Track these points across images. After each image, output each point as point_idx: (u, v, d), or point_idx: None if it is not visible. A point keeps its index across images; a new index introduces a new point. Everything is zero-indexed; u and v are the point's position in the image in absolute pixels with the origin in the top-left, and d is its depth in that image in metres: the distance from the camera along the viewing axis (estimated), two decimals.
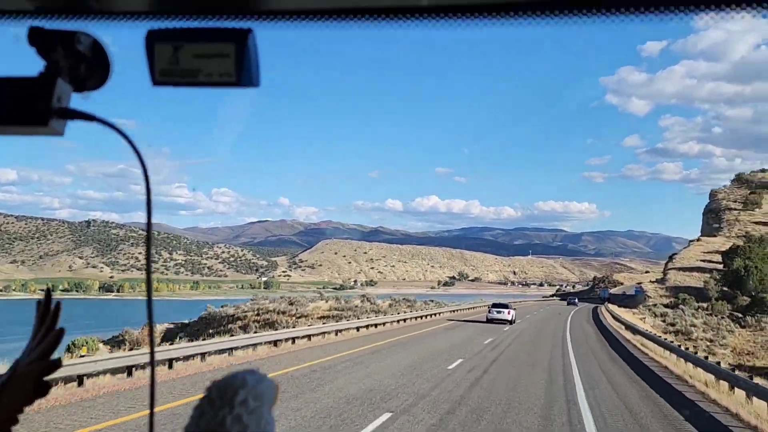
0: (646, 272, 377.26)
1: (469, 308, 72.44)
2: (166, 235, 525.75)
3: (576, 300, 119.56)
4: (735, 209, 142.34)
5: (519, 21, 0.97)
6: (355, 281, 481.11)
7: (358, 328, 37.78)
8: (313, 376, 18.53)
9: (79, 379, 15.74)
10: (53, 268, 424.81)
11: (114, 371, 17.51)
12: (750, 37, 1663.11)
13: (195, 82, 1.22)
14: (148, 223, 1.17)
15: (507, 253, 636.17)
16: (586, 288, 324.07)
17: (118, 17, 1.19)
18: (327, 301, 71.15)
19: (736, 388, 18.73)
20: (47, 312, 1.22)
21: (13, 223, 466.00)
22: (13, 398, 1.16)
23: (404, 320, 49.70)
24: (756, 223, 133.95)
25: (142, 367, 18.12)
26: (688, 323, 67.67)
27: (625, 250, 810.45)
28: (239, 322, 65.04)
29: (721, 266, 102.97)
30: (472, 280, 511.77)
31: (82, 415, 12.33)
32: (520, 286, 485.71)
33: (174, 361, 20.01)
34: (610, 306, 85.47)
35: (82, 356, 19.38)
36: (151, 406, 1.23)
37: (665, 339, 38.12)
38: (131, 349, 32.95)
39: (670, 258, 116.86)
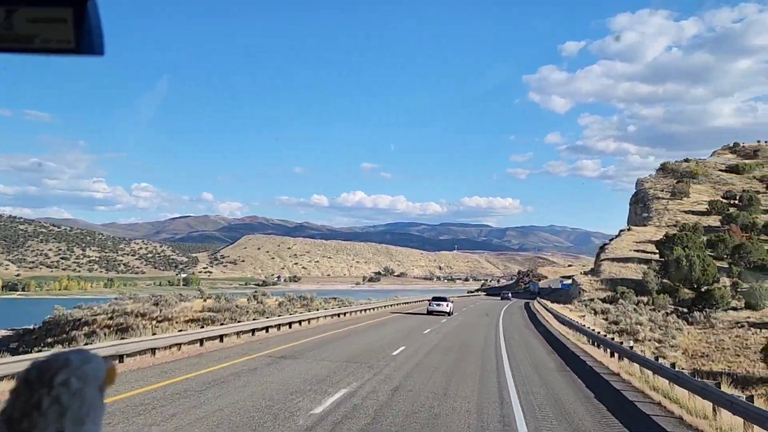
0: (569, 266, 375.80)
1: (382, 306, 60.54)
2: (79, 231, 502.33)
3: (509, 294, 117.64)
4: (663, 198, 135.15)
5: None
6: (279, 277, 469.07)
7: (222, 338, 26.84)
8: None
9: None
10: None
11: None
12: (662, 39, 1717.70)
13: (31, 48, 1.12)
14: None
15: (433, 248, 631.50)
16: (511, 282, 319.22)
17: None
18: (205, 300, 57.70)
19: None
20: None
21: None
22: None
23: (298, 323, 38.32)
24: (685, 212, 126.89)
25: None
26: (633, 321, 57.33)
27: (547, 245, 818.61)
28: (86, 328, 51.24)
29: (656, 256, 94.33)
30: (398, 276, 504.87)
31: None
32: (446, 281, 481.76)
33: None
34: (544, 301, 75.21)
35: None
36: None
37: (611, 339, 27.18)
38: None
39: (602, 248, 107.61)
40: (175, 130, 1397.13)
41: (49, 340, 51.16)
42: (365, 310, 55.06)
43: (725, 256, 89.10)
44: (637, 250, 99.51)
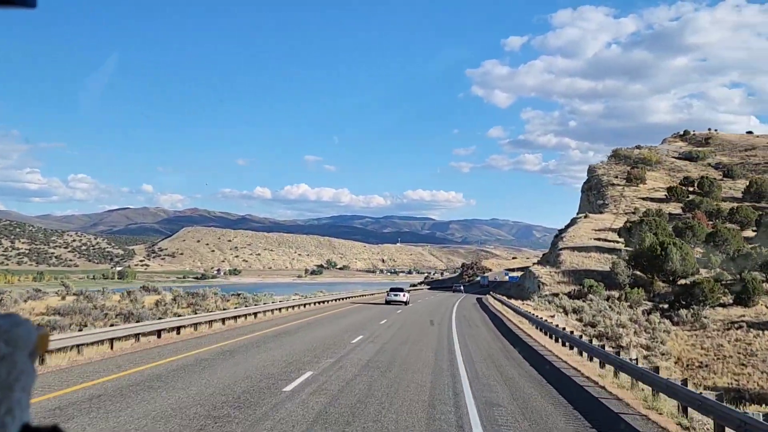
0: (513, 258, 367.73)
1: (303, 305, 47.02)
2: (8, 222, 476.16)
3: (462, 287, 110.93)
4: (618, 185, 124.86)
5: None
6: (218, 270, 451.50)
7: None
8: None
9: None
10: None
11: None
12: (602, 35, 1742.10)
13: None
14: None
15: (376, 241, 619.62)
16: (455, 275, 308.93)
17: None
18: (63, 298, 43.02)
19: None
20: None
21: None
22: None
23: (176, 330, 25.68)
24: (643, 198, 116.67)
25: None
26: (613, 322, 45.13)
27: (490, 238, 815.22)
28: None
29: (620, 245, 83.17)
30: (341, 269, 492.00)
31: None
32: (389, 273, 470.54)
33: None
34: (500, 297, 62.94)
35: None
36: None
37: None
38: None
39: (558, 236, 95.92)
40: (115, 121, 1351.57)
41: None
42: (280, 309, 41.40)
43: (694, 245, 78.29)
44: (598, 239, 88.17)
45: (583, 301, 56.32)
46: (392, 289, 59.13)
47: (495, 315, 44.69)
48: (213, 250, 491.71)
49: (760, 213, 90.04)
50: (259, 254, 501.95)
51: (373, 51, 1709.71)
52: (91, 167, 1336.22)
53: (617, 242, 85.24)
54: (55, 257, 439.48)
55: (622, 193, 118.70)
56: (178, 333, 24.72)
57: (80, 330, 20.54)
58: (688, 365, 43.37)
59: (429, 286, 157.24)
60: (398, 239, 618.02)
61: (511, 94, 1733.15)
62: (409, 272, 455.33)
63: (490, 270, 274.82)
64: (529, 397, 14.10)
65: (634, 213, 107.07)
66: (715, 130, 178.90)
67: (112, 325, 26.06)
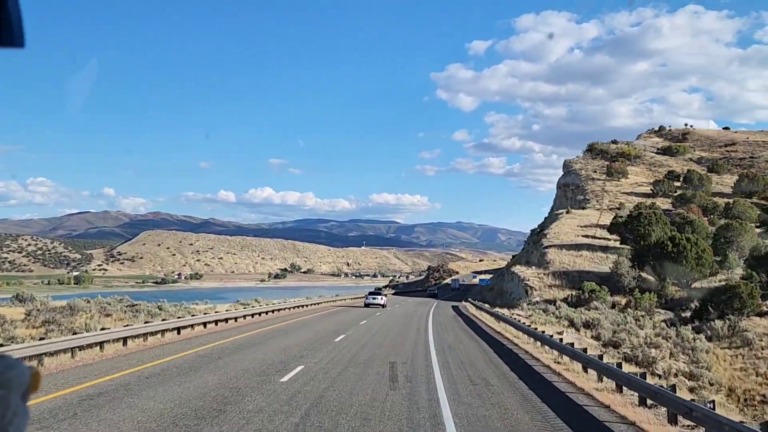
0: (480, 260, 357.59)
1: (254, 313, 34.23)
2: None
3: (436, 290, 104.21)
4: (598, 179, 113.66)
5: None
6: (179, 275, 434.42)
7: None
8: None
9: None
10: None
11: None
12: (565, 40, 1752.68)
13: None
14: None
15: (341, 244, 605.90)
16: (420, 278, 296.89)
17: None
18: None
19: None
20: None
21: None
22: None
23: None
24: (627, 193, 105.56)
25: None
26: (642, 341, 32.85)
27: (455, 241, 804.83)
28: None
29: (609, 242, 71.46)
30: (305, 272, 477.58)
31: None
32: (354, 277, 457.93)
33: None
34: (482, 305, 50.41)
35: None
36: None
37: None
38: None
39: (539, 233, 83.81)
40: (76, 124, 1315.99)
41: None
42: (207, 322, 28.61)
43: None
44: (586, 236, 76.28)
45: (589, 309, 44.01)
46: (371, 293, 64.14)
47: (490, 337, 31.28)
48: (174, 254, 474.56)
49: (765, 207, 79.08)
50: (221, 258, 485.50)
51: (338, 54, 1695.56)
52: (51, 170, 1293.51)
53: (607, 239, 73.63)
54: (9, 262, 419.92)
55: (603, 188, 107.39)
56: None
57: None
58: (745, 399, 31.31)
59: (394, 291, 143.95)
60: (363, 242, 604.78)
61: (476, 98, 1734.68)
62: (374, 276, 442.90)
63: (458, 273, 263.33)
64: None
65: (619, 208, 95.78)
66: (691, 126, 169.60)
67: None
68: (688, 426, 12.12)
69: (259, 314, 38.09)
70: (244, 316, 35.83)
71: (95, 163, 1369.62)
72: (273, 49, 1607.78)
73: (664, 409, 12.88)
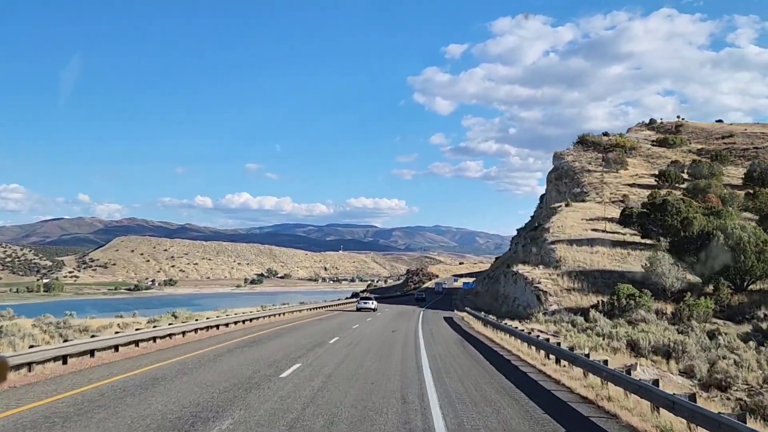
0: (460, 263, 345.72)
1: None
2: None
3: (424, 294, 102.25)
4: (595, 171, 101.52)
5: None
6: (153, 281, 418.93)
7: None
8: None
9: None
10: None
11: None
12: (540, 44, 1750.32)
13: None
14: None
15: (319, 249, 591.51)
16: (399, 282, 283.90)
17: None
18: None
19: None
20: None
21: None
22: None
23: None
24: (629, 185, 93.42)
25: None
26: (759, 377, 20.24)
27: (433, 245, 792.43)
28: None
29: (623, 236, 58.93)
30: (282, 277, 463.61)
31: None
32: (331, 282, 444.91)
33: None
34: (484, 316, 36.81)
35: None
36: None
37: None
38: None
39: (539, 228, 71.00)
40: (50, 129, 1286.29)
41: None
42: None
43: None
44: (595, 230, 63.63)
45: (631, 321, 31.18)
46: (362, 298, 68.82)
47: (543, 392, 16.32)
48: (148, 260, 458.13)
49: None
50: (196, 264, 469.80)
51: (314, 59, 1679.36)
52: (25, 177, 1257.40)
53: (619, 233, 61.16)
54: None
55: (602, 180, 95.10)
56: None
57: None
58: None
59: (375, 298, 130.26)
60: (341, 247, 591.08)
61: (452, 102, 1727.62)
62: (352, 280, 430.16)
63: (438, 276, 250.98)
64: None
65: (623, 201, 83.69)
66: (683, 119, 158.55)
67: None
68: None
69: (157, 339, 24.98)
70: (155, 338, 22.63)
71: (70, 170, 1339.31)
72: (249, 55, 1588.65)
73: None
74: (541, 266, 50.07)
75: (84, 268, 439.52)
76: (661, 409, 10.96)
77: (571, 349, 18.46)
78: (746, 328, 31.80)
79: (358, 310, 58.36)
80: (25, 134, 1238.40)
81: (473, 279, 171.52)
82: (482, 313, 40.92)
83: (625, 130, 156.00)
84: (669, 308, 36.69)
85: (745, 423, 8.96)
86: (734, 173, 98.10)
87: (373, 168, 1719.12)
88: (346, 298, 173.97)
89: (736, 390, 19.09)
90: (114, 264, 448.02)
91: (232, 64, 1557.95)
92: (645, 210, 57.08)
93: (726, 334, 28.87)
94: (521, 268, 51.37)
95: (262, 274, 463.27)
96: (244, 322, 35.59)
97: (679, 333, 28.19)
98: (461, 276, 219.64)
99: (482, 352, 22.61)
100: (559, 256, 50.51)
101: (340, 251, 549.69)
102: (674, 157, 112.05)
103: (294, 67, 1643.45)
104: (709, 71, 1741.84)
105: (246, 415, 10.49)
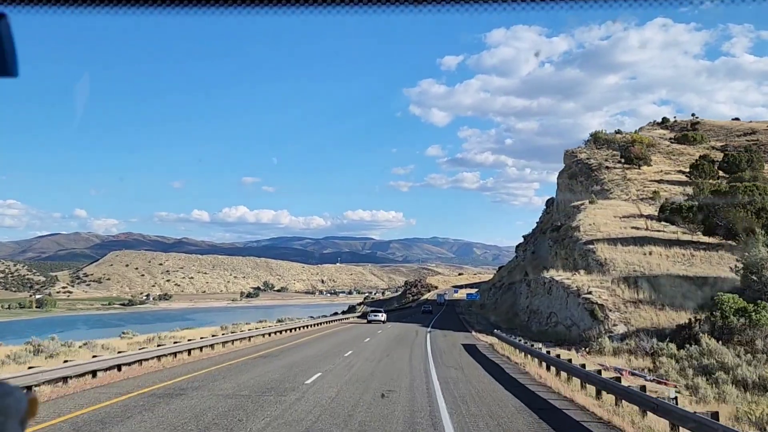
0: (459, 274, 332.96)
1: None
2: None
3: (431, 307, 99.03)
4: (614, 167, 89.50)
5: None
6: (148, 295, 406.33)
7: None
8: None
9: None
10: None
11: None
12: (535, 55, 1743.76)
13: None
14: None
15: (316, 262, 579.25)
16: (397, 294, 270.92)
17: None
18: None
19: None
20: None
21: None
22: None
23: None
24: (657, 181, 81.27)
25: None
26: None
27: (431, 256, 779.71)
28: None
29: (676, 233, 46.78)
30: (278, 290, 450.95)
31: None
32: (329, 295, 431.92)
33: None
34: (536, 349, 23.11)
35: None
36: None
37: None
38: None
39: (563, 227, 58.48)
40: (46, 144, 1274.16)
41: None
42: None
43: None
44: (635, 227, 51.35)
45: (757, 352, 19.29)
46: (372, 310, 75.37)
47: None
48: (143, 275, 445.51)
49: None
50: (192, 278, 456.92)
51: (310, 71, 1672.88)
52: (22, 193, 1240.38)
53: (664, 231, 49.00)
54: None
55: (625, 176, 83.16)
56: None
57: None
58: None
59: (364, 311, 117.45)
60: (338, 259, 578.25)
61: (449, 113, 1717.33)
62: (350, 293, 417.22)
63: (437, 287, 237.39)
64: None
65: (653, 198, 71.58)
66: (698, 117, 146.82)
67: None
68: None
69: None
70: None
71: (67, 185, 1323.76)
72: (244, 68, 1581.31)
73: None
74: (581, 271, 37.70)
75: (78, 284, 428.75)
76: None
77: None
78: None
79: (369, 322, 60.76)
80: (22, 149, 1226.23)
81: (476, 290, 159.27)
82: (519, 338, 28.30)
83: (633, 130, 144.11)
84: None
85: None
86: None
87: (369, 180, 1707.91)
88: (342, 312, 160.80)
89: None
90: (108, 279, 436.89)
91: (226, 77, 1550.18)
92: (702, 203, 44.90)
93: None
94: (558, 275, 38.90)
95: (258, 288, 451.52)
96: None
97: None
98: (461, 287, 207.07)
99: None
100: (603, 259, 38.16)
101: (337, 264, 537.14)
102: (697, 154, 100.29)
103: (289, 80, 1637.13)
104: (705, 80, 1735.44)
105: None
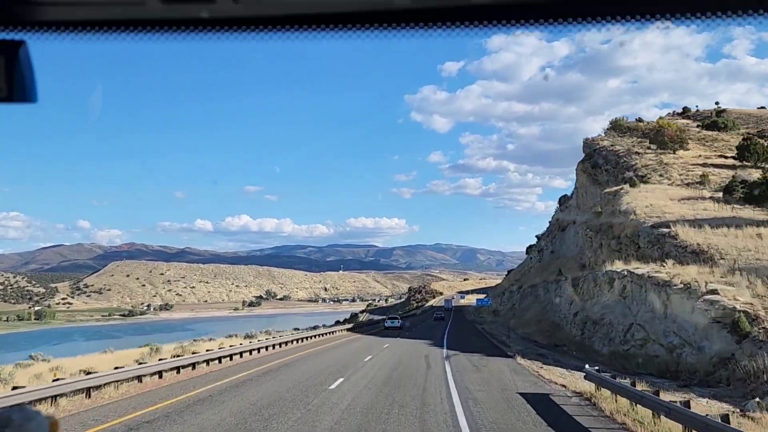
0: (465, 279, 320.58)
1: None
2: None
3: (443, 314, 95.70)
4: (646, 153, 77.56)
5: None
6: (148, 306, 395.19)
7: None
8: None
9: None
10: None
11: None
12: (536, 59, 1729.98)
13: None
14: None
15: (320, 269, 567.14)
16: (401, 300, 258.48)
17: None
18: None
19: None
20: None
21: None
22: None
23: None
24: (701, 164, 69.16)
25: None
26: None
27: (434, 263, 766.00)
28: None
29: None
30: (281, 299, 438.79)
31: None
32: (332, 302, 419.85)
33: None
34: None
35: None
36: None
37: None
38: None
39: (599, 216, 46.27)
40: (49, 156, 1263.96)
41: None
42: None
43: None
44: (704, 209, 39.24)
45: None
46: (389, 317, 75.06)
47: None
48: (144, 285, 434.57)
49: None
50: (193, 287, 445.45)
51: (311, 79, 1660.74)
52: (25, 205, 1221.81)
53: (738, 214, 37.00)
54: None
55: (661, 161, 71.12)
56: None
57: None
58: None
59: (357, 325, 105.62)
60: (341, 266, 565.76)
61: (450, 119, 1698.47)
62: (353, 300, 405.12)
63: (441, 293, 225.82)
64: None
65: (701, 182, 59.43)
66: (721, 106, 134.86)
67: None
68: None
69: None
70: None
71: (70, 197, 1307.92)
72: (246, 76, 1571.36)
73: None
74: (670, 262, 25.36)
75: (78, 294, 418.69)
76: None
77: None
78: None
79: (386, 328, 62.12)
80: (24, 159, 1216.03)
81: (484, 295, 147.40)
82: (611, 373, 15.40)
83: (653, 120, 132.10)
84: None
85: None
86: None
87: (372, 187, 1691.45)
88: (345, 320, 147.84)
89: None
90: (109, 289, 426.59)
91: (228, 86, 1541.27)
92: None
93: None
94: (639, 269, 26.25)
95: (260, 296, 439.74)
96: None
97: None
98: (468, 292, 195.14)
99: None
100: (696, 244, 25.85)
101: (340, 271, 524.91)
102: (733, 141, 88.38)
103: (290, 88, 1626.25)
104: (707, 83, 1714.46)
105: None
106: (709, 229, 28.79)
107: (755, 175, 54.50)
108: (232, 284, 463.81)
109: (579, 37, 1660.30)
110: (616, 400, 14.11)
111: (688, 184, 60.70)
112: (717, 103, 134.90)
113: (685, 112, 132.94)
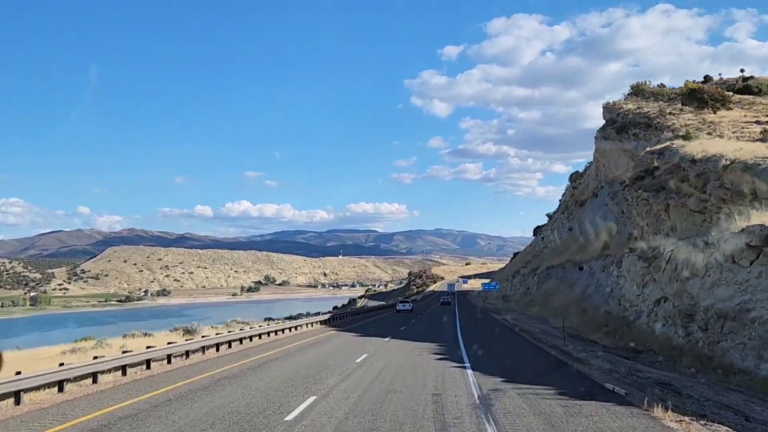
0: (467, 264, 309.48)
1: None
2: None
3: (449, 298, 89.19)
4: (683, 113, 66.01)
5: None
6: (146, 291, 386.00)
7: None
8: None
9: None
10: None
11: None
12: (536, 43, 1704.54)
13: None
14: None
15: (320, 255, 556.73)
16: (401, 286, 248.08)
17: None
18: None
19: None
20: None
21: None
22: None
23: None
24: (756, 122, 57.68)
25: None
26: None
27: (435, 248, 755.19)
28: None
29: None
30: (280, 284, 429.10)
31: None
32: (331, 288, 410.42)
33: None
34: None
35: None
36: None
37: None
38: None
39: (652, 174, 35.03)
40: (49, 142, 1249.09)
41: None
42: None
43: None
44: None
45: None
46: (401, 301, 76.66)
47: None
48: (141, 270, 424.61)
49: None
50: (191, 273, 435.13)
51: (311, 65, 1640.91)
52: (25, 191, 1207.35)
53: None
54: None
55: (704, 120, 59.66)
56: None
57: None
58: None
59: (351, 313, 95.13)
60: (340, 252, 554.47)
61: (450, 104, 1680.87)
62: (353, 285, 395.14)
63: (443, 278, 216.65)
64: None
65: (762, 139, 47.95)
66: (745, 74, 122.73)
67: None
68: None
69: None
70: None
71: (69, 183, 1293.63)
72: (245, 62, 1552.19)
73: None
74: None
75: (75, 280, 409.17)
76: None
77: None
78: None
79: (398, 312, 62.39)
80: (25, 147, 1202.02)
81: (489, 279, 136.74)
82: None
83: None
84: None
85: None
86: None
87: (372, 173, 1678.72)
88: (343, 305, 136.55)
89: None
90: (106, 275, 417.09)
91: (228, 71, 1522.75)
92: None
93: None
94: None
95: (259, 282, 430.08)
96: None
97: None
98: (470, 277, 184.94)
99: None
100: None
101: (340, 256, 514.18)
102: None
103: (291, 73, 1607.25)
104: (708, 66, 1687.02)
105: None
106: None
107: None
108: (231, 269, 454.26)
109: (580, 21, 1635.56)
110: None
111: (741, 140, 49.49)
112: (742, 71, 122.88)
113: (707, 81, 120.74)
